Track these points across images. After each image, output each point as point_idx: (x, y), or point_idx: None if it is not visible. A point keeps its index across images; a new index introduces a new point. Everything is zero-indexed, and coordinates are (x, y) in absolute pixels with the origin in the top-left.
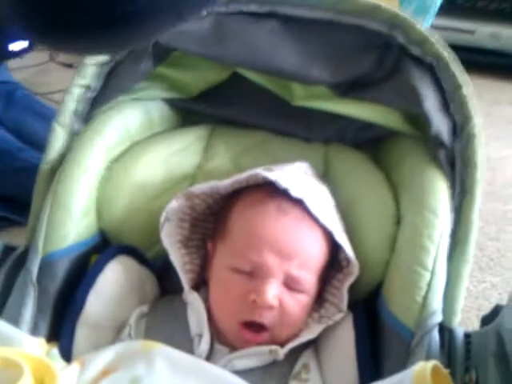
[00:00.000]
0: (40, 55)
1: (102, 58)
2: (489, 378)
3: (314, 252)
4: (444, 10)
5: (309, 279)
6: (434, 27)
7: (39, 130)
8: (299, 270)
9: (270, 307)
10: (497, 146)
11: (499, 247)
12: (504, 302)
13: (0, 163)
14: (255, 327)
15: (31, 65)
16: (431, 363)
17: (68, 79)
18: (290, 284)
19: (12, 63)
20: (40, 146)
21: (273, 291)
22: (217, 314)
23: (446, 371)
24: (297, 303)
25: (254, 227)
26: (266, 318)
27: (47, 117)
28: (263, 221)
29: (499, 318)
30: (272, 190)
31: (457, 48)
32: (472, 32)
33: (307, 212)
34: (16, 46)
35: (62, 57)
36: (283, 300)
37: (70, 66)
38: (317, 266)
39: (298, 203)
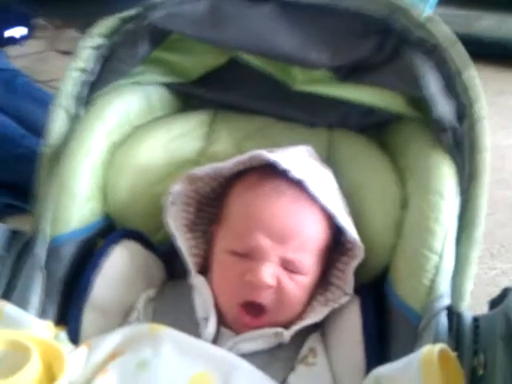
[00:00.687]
0: (40, 43)
1: (99, 40)
2: (497, 360)
3: (312, 233)
4: None
5: (307, 261)
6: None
7: (40, 116)
8: (295, 253)
9: (267, 286)
10: (504, 135)
11: (509, 234)
12: None
13: (2, 150)
14: (254, 310)
15: (31, 52)
16: (438, 346)
17: (67, 67)
18: (287, 266)
19: (11, 51)
20: (41, 132)
21: (269, 270)
22: (218, 297)
23: (453, 354)
24: (296, 284)
25: (250, 210)
26: (265, 299)
27: (48, 104)
28: (259, 203)
29: (507, 301)
30: (273, 172)
31: (460, 37)
32: (475, 21)
33: (306, 193)
34: (14, 32)
35: (62, 45)
36: (281, 280)
37: (69, 53)
38: (316, 247)
39: (296, 184)
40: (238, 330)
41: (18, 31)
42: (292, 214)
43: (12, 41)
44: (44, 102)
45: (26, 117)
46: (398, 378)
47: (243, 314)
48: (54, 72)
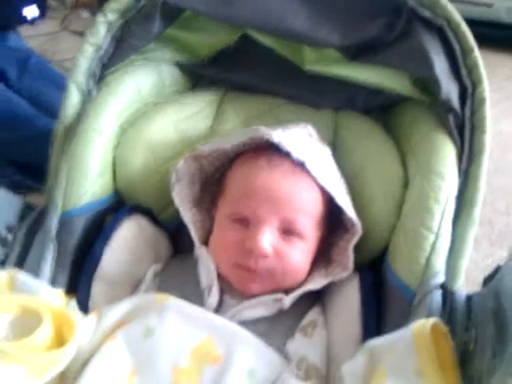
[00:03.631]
0: (52, 23)
1: (113, 17)
2: (487, 334)
3: (308, 200)
4: None
5: (305, 223)
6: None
7: (53, 96)
8: (294, 213)
9: (264, 255)
10: (509, 121)
11: (509, 222)
12: None
13: (16, 130)
14: (249, 273)
15: (44, 33)
16: (431, 320)
17: (79, 47)
18: (287, 228)
19: (24, 31)
20: (54, 112)
21: (267, 239)
22: (217, 261)
23: (445, 328)
24: (295, 250)
25: (248, 180)
26: (259, 267)
27: (61, 84)
28: (255, 174)
29: (497, 277)
30: (272, 152)
31: (474, 22)
32: (490, 5)
33: (298, 167)
34: (30, 11)
35: (74, 25)
36: (279, 248)
37: (81, 34)
38: (312, 213)
39: (286, 156)
40: (240, 291)
41: (32, 10)
42: (287, 181)
43: (26, 20)
44: (56, 82)
45: (39, 97)
46: (391, 349)
47: (241, 275)
48: (66, 52)
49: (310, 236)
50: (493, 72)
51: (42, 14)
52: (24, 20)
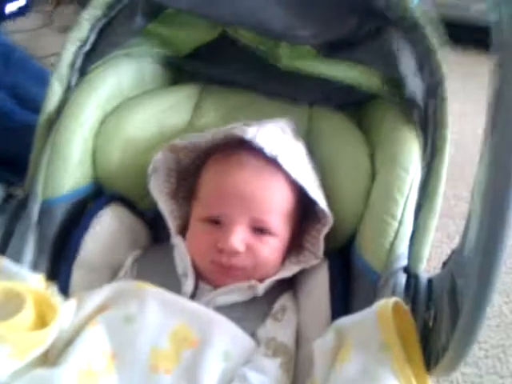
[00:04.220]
0: (36, 19)
1: (97, 13)
2: (443, 312)
3: (277, 198)
4: None
5: (275, 221)
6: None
7: (36, 91)
8: (264, 214)
9: (236, 252)
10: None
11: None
12: None
13: None
14: (225, 268)
15: (27, 29)
16: (393, 299)
17: (63, 43)
18: (258, 226)
19: (7, 26)
20: (36, 106)
21: (238, 237)
22: (194, 259)
23: (406, 307)
24: (266, 246)
25: (217, 181)
26: (232, 264)
27: (44, 79)
28: (224, 175)
29: (452, 259)
30: (240, 145)
31: (454, 22)
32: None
33: (270, 162)
34: (13, 7)
35: (58, 21)
36: (251, 244)
37: (65, 29)
38: (282, 210)
39: (260, 155)
40: (214, 283)
41: (15, 5)
42: (256, 181)
43: (9, 16)
44: (39, 76)
45: (21, 91)
46: (357, 326)
47: (216, 265)
48: (49, 48)
49: (281, 232)
50: (475, 75)
51: (25, 10)
52: (5, 16)
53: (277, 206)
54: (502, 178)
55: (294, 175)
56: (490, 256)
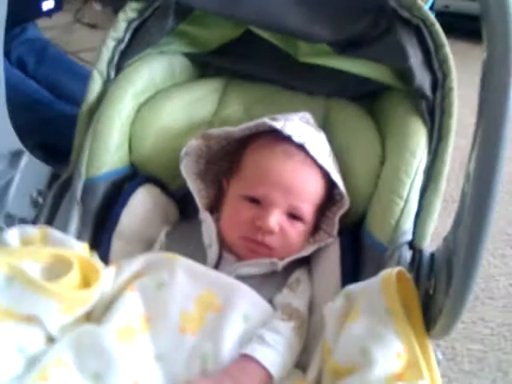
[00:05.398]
0: (66, 16)
1: (132, 14)
2: (442, 281)
3: (314, 189)
4: None
5: (307, 210)
6: None
7: (69, 85)
8: (301, 202)
9: (271, 231)
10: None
11: None
12: None
13: (35, 114)
14: (256, 243)
15: (58, 25)
16: (396, 269)
17: (92, 38)
18: (292, 213)
19: (40, 22)
20: (70, 99)
21: (275, 218)
22: (225, 233)
23: (409, 276)
24: (295, 230)
25: (264, 166)
26: (267, 241)
27: (77, 73)
28: (271, 162)
29: (450, 231)
30: (277, 136)
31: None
32: None
33: (309, 156)
34: (46, 5)
35: (87, 17)
36: (284, 227)
37: (94, 26)
38: (315, 200)
39: (301, 149)
40: (239, 255)
41: (49, 4)
42: (299, 172)
43: (44, 13)
44: (73, 72)
45: (55, 84)
46: (363, 293)
47: (245, 246)
48: (79, 43)
49: (310, 220)
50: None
51: (58, 7)
52: (42, 13)
53: (313, 196)
54: (490, 157)
55: (320, 161)
56: (475, 230)
